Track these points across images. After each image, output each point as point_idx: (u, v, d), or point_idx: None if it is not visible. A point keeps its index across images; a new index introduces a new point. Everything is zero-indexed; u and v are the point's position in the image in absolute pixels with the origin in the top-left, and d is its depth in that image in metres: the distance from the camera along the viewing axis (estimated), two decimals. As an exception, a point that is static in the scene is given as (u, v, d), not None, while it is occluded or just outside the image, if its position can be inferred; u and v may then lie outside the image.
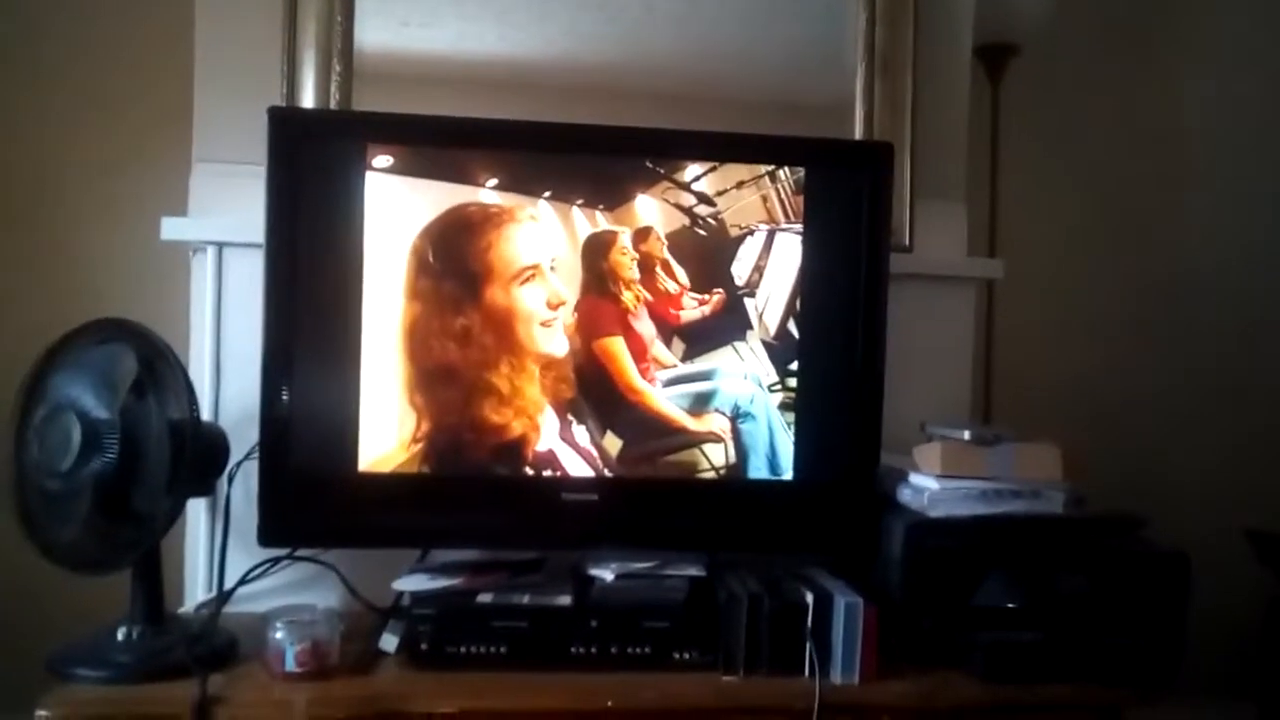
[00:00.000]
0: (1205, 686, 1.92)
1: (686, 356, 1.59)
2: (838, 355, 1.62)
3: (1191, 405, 2.42)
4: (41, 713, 1.28)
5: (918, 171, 1.88)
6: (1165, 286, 2.44)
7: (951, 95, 1.95)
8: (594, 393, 1.57)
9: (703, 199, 1.59)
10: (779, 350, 1.61)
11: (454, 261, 1.53)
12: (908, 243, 1.87)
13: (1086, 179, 2.42)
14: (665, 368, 1.59)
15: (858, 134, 1.87)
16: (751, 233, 1.59)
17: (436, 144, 1.54)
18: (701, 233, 1.59)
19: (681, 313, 1.59)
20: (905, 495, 1.60)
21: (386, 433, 1.53)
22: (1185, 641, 1.53)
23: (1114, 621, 1.50)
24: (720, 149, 1.61)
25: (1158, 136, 2.46)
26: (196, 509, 1.68)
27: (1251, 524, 2.17)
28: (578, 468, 1.57)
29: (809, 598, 1.47)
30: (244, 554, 1.60)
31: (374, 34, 1.77)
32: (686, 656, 1.48)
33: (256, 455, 1.52)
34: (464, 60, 1.83)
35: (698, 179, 1.59)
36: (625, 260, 1.57)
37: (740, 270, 1.60)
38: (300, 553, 1.62)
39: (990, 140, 2.25)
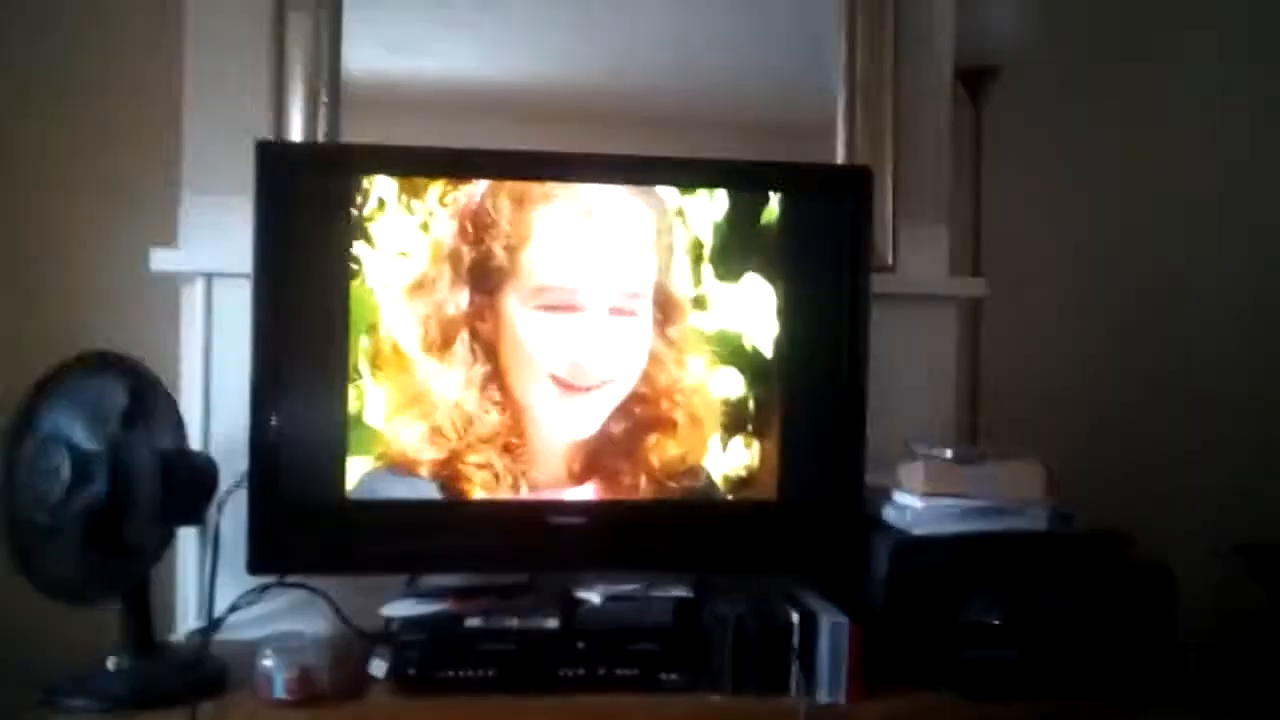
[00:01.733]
0: (1192, 701, 1.92)
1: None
2: (822, 375, 1.63)
3: (1177, 421, 2.43)
4: (33, 744, 1.29)
5: (900, 192, 1.90)
6: (1148, 303, 2.46)
7: (933, 117, 1.97)
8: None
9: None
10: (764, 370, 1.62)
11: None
12: (891, 262, 1.89)
13: (1068, 197, 2.43)
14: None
15: (840, 156, 1.89)
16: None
17: (423, 174, 1.55)
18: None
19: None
20: (890, 514, 1.61)
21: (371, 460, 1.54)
22: (1173, 656, 1.53)
23: (1099, 637, 1.51)
24: (703, 175, 1.62)
25: (1138, 155, 2.48)
26: (186, 538, 1.69)
27: (1240, 538, 2.17)
28: (565, 491, 1.58)
29: (795, 618, 1.48)
30: (234, 582, 1.61)
31: (362, 61, 1.79)
32: (674, 678, 1.49)
33: (246, 484, 1.53)
34: (453, 87, 1.85)
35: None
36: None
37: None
38: (289, 579, 1.63)
39: (972, 160, 2.27)
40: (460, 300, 1.53)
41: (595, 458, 1.58)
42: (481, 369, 1.54)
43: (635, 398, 1.58)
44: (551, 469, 1.57)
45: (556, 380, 1.55)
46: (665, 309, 1.58)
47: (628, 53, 1.89)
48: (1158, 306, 2.46)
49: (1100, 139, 2.45)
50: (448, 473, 1.54)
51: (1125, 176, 2.47)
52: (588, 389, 1.56)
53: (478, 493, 1.55)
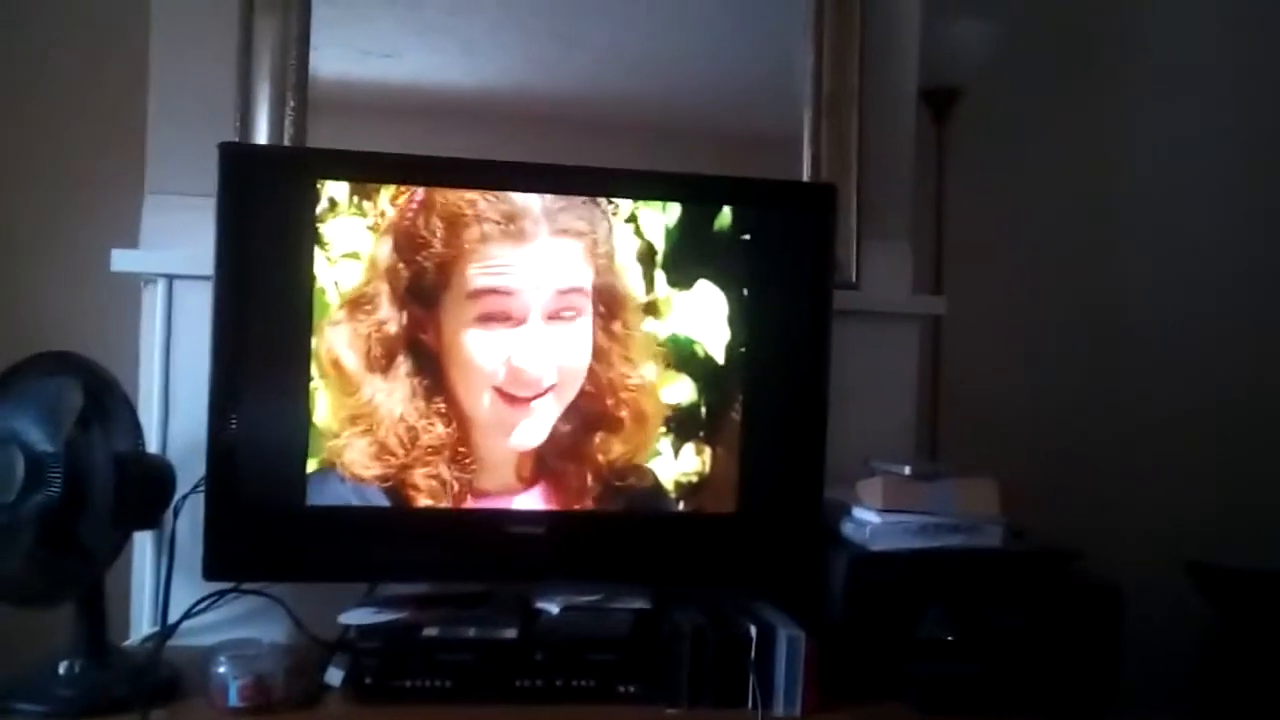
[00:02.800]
0: (1144, 715, 1.95)
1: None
2: (783, 390, 1.64)
3: (1133, 439, 2.47)
4: (-21, 749, 1.28)
5: (864, 210, 1.92)
6: (1108, 322, 2.50)
7: (897, 135, 1.99)
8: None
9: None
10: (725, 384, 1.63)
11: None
12: (854, 279, 1.91)
13: (1030, 217, 2.47)
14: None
15: (806, 172, 1.91)
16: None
17: (386, 180, 1.54)
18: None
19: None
20: (848, 529, 1.63)
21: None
22: (1117, 673, 1.56)
23: (1048, 653, 1.53)
24: (667, 188, 1.63)
25: (1100, 175, 2.52)
26: (142, 542, 1.68)
27: (1194, 556, 2.21)
28: (524, 501, 1.58)
29: (752, 630, 1.49)
30: (189, 587, 1.59)
31: (332, 64, 1.78)
32: (631, 689, 1.49)
33: (203, 488, 1.52)
34: (426, 91, 1.85)
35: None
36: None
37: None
38: (246, 586, 1.62)
39: (936, 180, 2.30)
40: (399, 316, 1.53)
41: (543, 460, 1.58)
42: (424, 382, 1.53)
43: (582, 395, 1.58)
44: (500, 476, 1.57)
45: (500, 392, 1.54)
46: (609, 305, 1.58)
47: (600, 61, 1.90)
48: (1115, 325, 2.50)
49: (1060, 161, 2.50)
50: (393, 483, 1.54)
51: (1084, 197, 2.51)
52: (531, 398, 1.55)
53: (424, 501, 1.54)
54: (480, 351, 1.53)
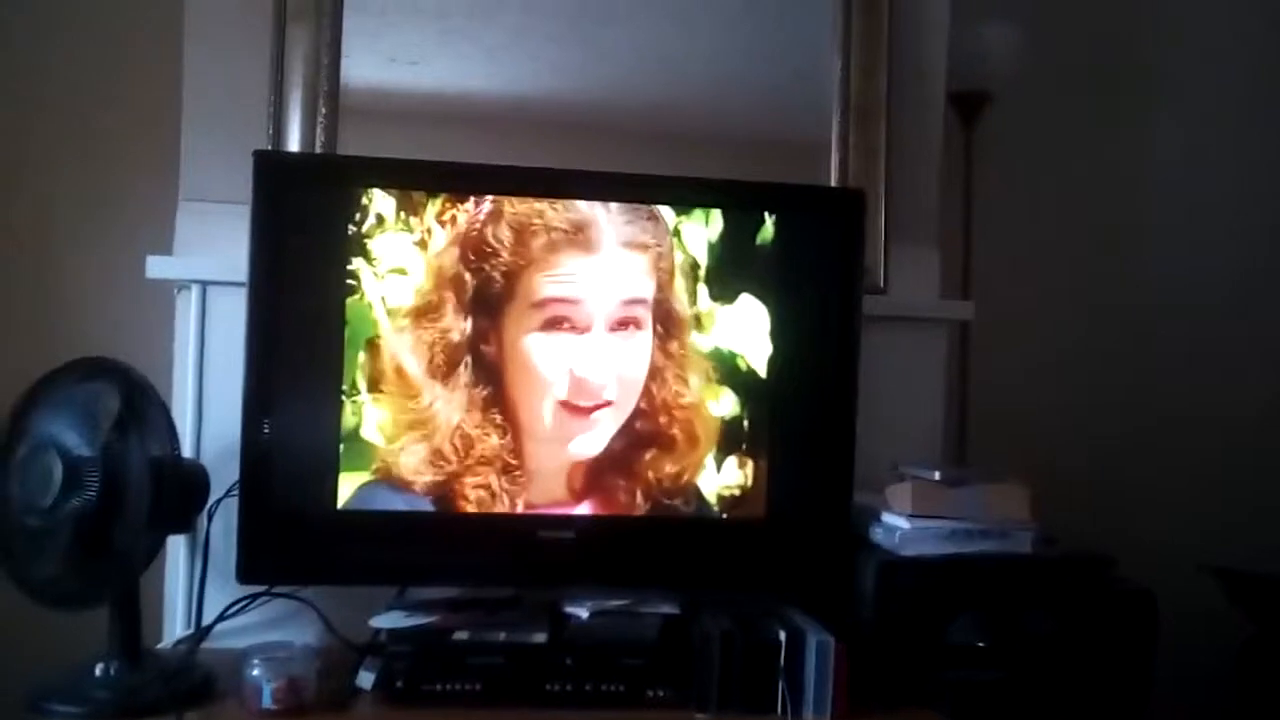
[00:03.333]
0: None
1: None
2: (812, 395, 1.64)
3: (1163, 445, 2.46)
4: (18, 749, 1.29)
5: (892, 215, 1.92)
6: (1136, 326, 2.49)
7: (925, 140, 1.99)
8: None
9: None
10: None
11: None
12: (882, 284, 1.90)
13: (1058, 221, 2.46)
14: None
15: (833, 178, 1.91)
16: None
17: (420, 188, 1.55)
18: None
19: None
20: (877, 534, 1.62)
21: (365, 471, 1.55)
22: (1152, 680, 1.55)
23: (1081, 661, 1.52)
24: (697, 194, 1.63)
25: (1128, 179, 2.51)
26: (176, 545, 1.69)
27: (1225, 562, 2.19)
28: (555, 506, 1.59)
29: (782, 636, 1.48)
30: (222, 590, 1.61)
31: (361, 71, 1.80)
32: (660, 694, 1.49)
33: (237, 493, 1.53)
34: (451, 97, 1.86)
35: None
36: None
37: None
38: (278, 589, 1.63)
39: (964, 184, 2.30)
40: (464, 325, 1.54)
41: (593, 476, 1.59)
42: (483, 392, 1.54)
43: (637, 412, 1.59)
44: (549, 489, 1.58)
45: (563, 404, 1.55)
46: (666, 324, 1.59)
47: (625, 68, 1.91)
48: (1146, 331, 2.49)
49: (1090, 165, 2.48)
50: (443, 491, 1.55)
51: (1114, 202, 2.50)
52: (592, 409, 1.56)
53: (470, 508, 1.55)
54: (543, 359, 1.55)
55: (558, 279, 1.55)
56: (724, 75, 1.93)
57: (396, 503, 1.54)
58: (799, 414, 1.64)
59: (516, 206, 1.55)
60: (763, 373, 1.63)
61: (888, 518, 1.61)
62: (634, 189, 1.62)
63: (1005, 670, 1.50)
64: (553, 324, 1.55)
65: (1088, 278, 2.47)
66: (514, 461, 1.56)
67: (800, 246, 1.64)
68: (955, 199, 2.25)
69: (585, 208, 1.56)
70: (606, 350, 1.56)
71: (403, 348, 1.53)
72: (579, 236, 1.55)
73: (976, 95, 2.27)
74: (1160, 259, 2.50)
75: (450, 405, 1.54)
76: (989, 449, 2.20)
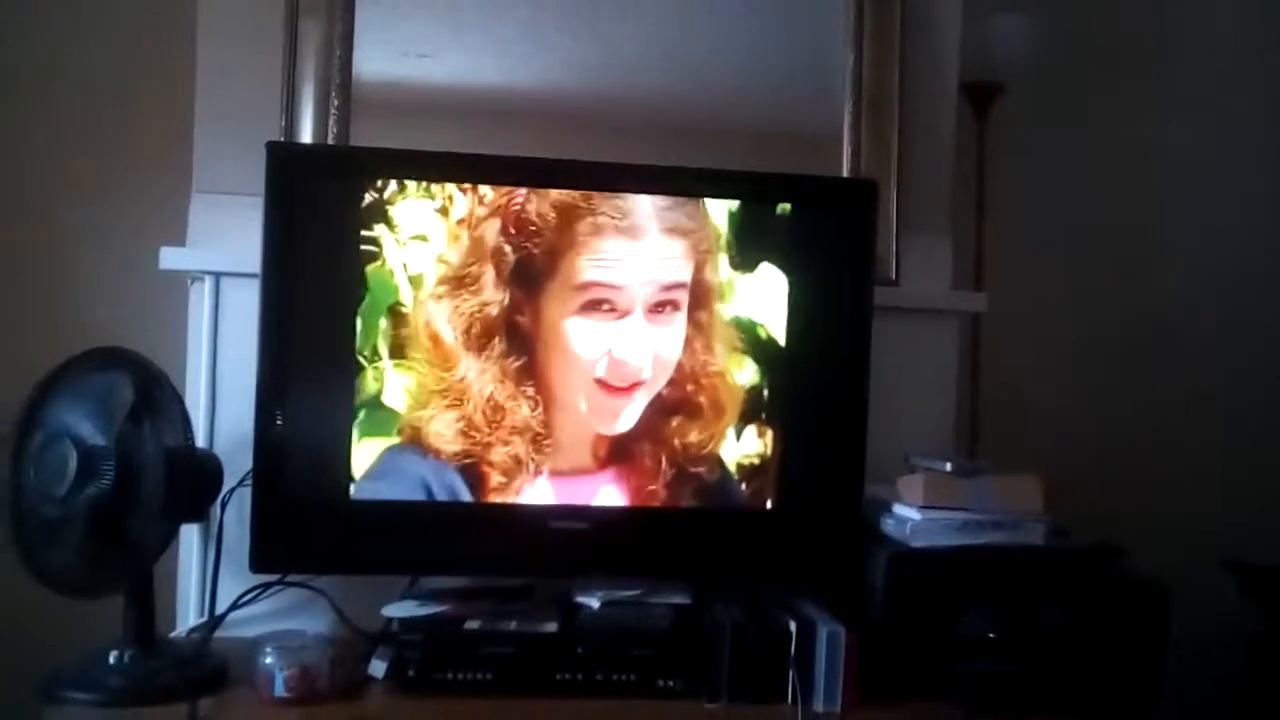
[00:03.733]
0: (1189, 716, 1.93)
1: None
2: (823, 386, 1.64)
3: (1175, 437, 2.45)
4: (33, 735, 1.30)
5: (904, 206, 1.91)
6: (1149, 318, 2.48)
7: (937, 131, 1.98)
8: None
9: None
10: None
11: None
12: (894, 276, 1.90)
13: (1070, 213, 2.45)
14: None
15: (845, 169, 1.91)
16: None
17: (433, 179, 1.56)
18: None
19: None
20: (888, 525, 1.62)
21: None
22: (1163, 672, 1.55)
23: (1093, 652, 1.52)
24: (710, 185, 1.63)
25: (1141, 170, 2.50)
26: (189, 534, 1.70)
27: (1234, 552, 2.18)
28: (598, 483, 1.59)
29: (792, 626, 1.49)
30: (236, 579, 1.62)
31: (373, 64, 1.80)
32: (671, 684, 1.50)
33: (250, 482, 1.54)
34: (462, 91, 1.86)
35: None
36: None
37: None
38: (291, 579, 1.64)
39: (976, 175, 2.29)
40: (502, 298, 1.54)
41: (620, 445, 1.59)
42: (516, 364, 1.55)
43: (668, 383, 1.59)
44: (575, 458, 1.58)
45: (598, 382, 1.56)
46: (697, 296, 1.59)
47: (636, 60, 1.91)
48: (1156, 321, 2.48)
49: (1102, 156, 2.47)
50: (472, 459, 1.55)
51: (1126, 193, 2.49)
52: (628, 389, 1.57)
53: (496, 478, 1.55)
54: (582, 341, 1.55)
55: (601, 263, 1.55)
56: (736, 67, 1.93)
57: (424, 468, 1.54)
58: (810, 405, 1.64)
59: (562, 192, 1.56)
60: (782, 341, 1.62)
61: (899, 509, 1.61)
62: (646, 180, 1.62)
63: (1016, 661, 1.50)
64: (593, 306, 1.55)
65: (1100, 269, 2.46)
66: (543, 431, 1.56)
67: (812, 238, 1.64)
68: (967, 190, 2.24)
69: (628, 200, 1.57)
70: (645, 333, 1.57)
71: (437, 315, 1.54)
72: (625, 221, 1.56)
73: (989, 86, 2.26)
74: (1173, 250, 2.49)
75: (483, 376, 1.54)
76: (1001, 441, 2.19)
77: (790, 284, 1.62)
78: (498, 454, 1.55)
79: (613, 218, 1.55)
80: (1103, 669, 1.52)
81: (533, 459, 1.56)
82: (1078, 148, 2.45)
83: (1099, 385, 2.43)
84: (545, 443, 1.56)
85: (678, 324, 1.58)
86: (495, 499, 1.56)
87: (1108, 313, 2.46)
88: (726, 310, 1.61)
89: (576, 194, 1.56)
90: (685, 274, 1.58)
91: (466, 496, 1.55)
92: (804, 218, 1.64)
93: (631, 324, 1.56)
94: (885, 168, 1.90)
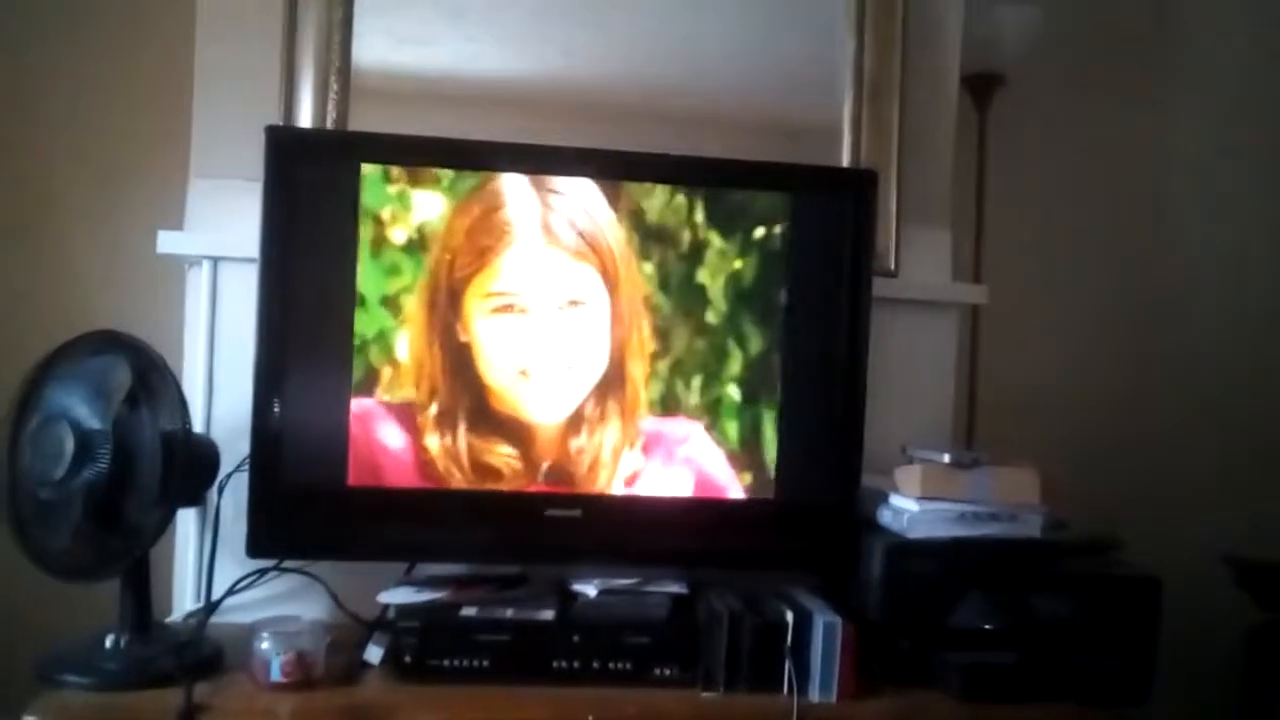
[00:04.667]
0: (1187, 708, 1.94)
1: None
2: (821, 376, 1.64)
3: (1174, 431, 2.45)
4: (29, 718, 1.30)
5: (904, 197, 1.91)
6: (1148, 312, 2.48)
7: (938, 123, 1.98)
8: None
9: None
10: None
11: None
12: (893, 267, 1.90)
13: (1071, 206, 2.45)
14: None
15: (845, 159, 1.90)
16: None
17: (429, 164, 1.56)
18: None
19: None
20: (885, 516, 1.62)
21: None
22: (1155, 663, 1.55)
23: (1088, 643, 1.53)
24: (708, 174, 1.63)
25: (1141, 164, 2.50)
26: (186, 519, 1.70)
27: (1236, 548, 2.18)
28: (561, 484, 1.59)
29: (789, 616, 1.49)
30: (232, 565, 1.62)
31: (371, 51, 1.79)
32: (667, 672, 1.50)
33: (247, 467, 1.54)
34: (461, 78, 1.86)
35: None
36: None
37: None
38: (288, 564, 1.64)
39: (976, 168, 2.29)
40: (440, 308, 1.56)
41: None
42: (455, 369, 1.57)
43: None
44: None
45: (521, 373, 1.58)
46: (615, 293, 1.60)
47: (636, 49, 1.90)
48: (1158, 316, 2.48)
49: (1104, 147, 2.47)
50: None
51: (1128, 186, 2.49)
52: (549, 378, 1.58)
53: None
54: (496, 340, 1.57)
55: (503, 270, 1.57)
56: (736, 56, 1.92)
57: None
58: (809, 395, 1.64)
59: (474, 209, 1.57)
60: (772, 351, 1.63)
61: (896, 500, 1.61)
62: (643, 168, 1.62)
63: (1013, 652, 1.51)
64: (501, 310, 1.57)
65: (1101, 261, 2.46)
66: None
67: (812, 227, 1.64)
68: (968, 182, 2.24)
69: (524, 208, 1.57)
70: (555, 329, 1.58)
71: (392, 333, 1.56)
72: (525, 222, 1.57)
73: (990, 77, 2.26)
74: (1174, 243, 2.49)
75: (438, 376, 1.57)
76: (998, 433, 2.19)
77: (789, 274, 1.62)
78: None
79: (515, 218, 1.57)
80: (1098, 660, 1.52)
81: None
82: (1079, 140, 2.45)
83: (1098, 378, 2.43)
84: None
85: (593, 314, 1.59)
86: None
87: (1107, 305, 2.46)
88: (708, 313, 1.61)
89: (486, 201, 1.56)
90: (593, 273, 1.59)
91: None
92: (803, 207, 1.64)
93: (538, 321, 1.58)
94: (886, 159, 1.90)
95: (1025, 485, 1.60)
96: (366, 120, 1.76)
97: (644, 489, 1.61)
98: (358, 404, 1.55)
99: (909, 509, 1.57)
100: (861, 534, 1.61)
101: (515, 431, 1.58)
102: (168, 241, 1.72)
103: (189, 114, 1.78)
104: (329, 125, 1.75)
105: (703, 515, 1.63)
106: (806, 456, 1.64)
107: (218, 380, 1.73)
